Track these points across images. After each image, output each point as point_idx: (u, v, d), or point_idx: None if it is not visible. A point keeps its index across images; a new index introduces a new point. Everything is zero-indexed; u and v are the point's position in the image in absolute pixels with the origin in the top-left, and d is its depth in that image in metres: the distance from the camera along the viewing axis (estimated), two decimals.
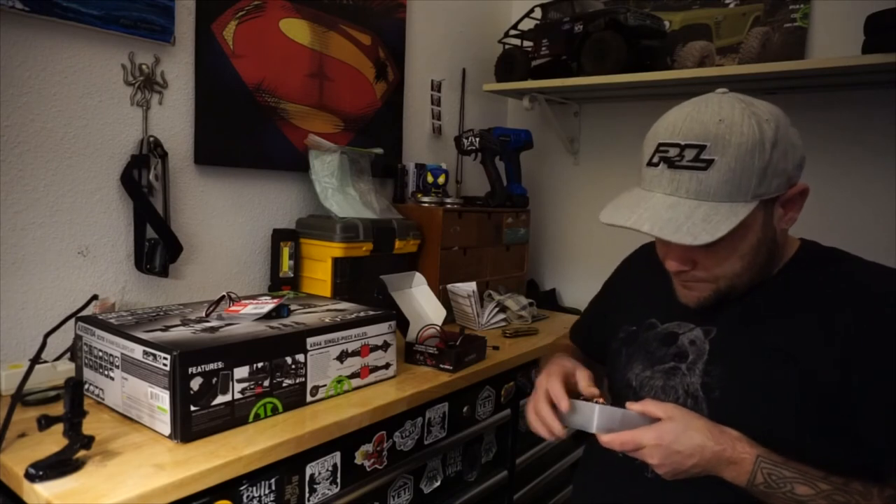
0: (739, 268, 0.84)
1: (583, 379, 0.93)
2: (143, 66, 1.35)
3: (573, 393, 0.91)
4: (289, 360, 1.05)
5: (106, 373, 1.01)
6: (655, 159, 0.82)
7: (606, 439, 0.81)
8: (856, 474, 0.77)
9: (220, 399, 0.95)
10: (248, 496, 0.92)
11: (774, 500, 0.77)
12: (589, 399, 0.89)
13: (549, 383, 0.92)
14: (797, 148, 0.81)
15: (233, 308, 1.17)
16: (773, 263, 0.87)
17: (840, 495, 0.74)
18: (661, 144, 0.82)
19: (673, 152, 0.80)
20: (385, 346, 1.23)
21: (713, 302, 0.87)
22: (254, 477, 0.93)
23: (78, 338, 1.07)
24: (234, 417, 0.98)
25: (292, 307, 1.23)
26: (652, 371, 0.92)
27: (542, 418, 0.90)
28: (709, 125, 0.78)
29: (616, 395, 0.98)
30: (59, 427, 0.82)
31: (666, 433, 0.78)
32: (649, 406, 0.81)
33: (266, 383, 1.02)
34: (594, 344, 1.14)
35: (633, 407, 0.82)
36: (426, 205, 1.84)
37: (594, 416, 0.84)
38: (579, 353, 1.16)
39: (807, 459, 0.77)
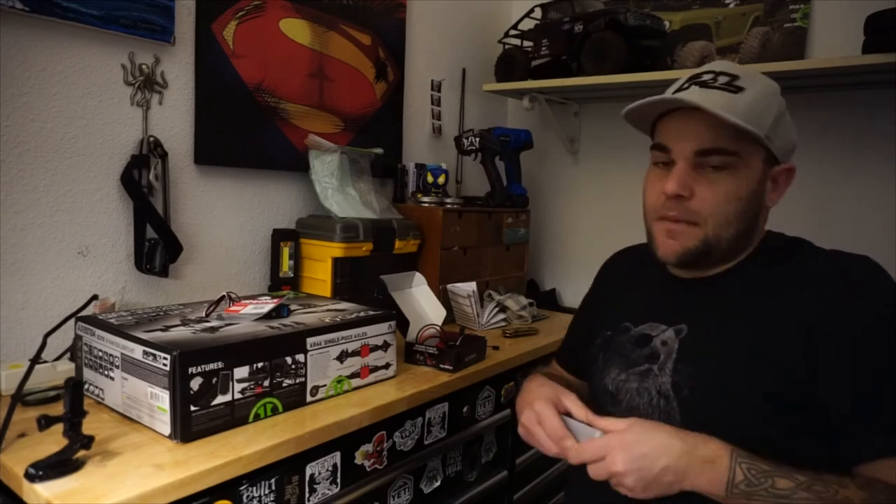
0: (731, 213, 0.84)
1: (575, 406, 0.86)
2: (143, 66, 1.35)
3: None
4: (289, 360, 1.05)
5: (106, 373, 1.01)
6: (686, 85, 0.86)
7: (573, 455, 0.80)
8: (827, 467, 0.76)
9: (220, 399, 0.95)
10: (248, 496, 0.92)
11: (755, 501, 0.73)
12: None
13: (538, 407, 0.87)
14: (795, 136, 0.89)
15: (233, 308, 1.17)
16: (752, 236, 0.89)
17: (819, 484, 0.73)
18: (694, 74, 0.88)
19: (707, 77, 0.85)
20: (385, 346, 1.23)
21: (696, 255, 0.86)
22: (254, 477, 0.93)
23: (78, 338, 1.07)
24: (234, 417, 0.98)
25: (292, 307, 1.23)
26: (627, 374, 0.92)
27: (550, 437, 0.85)
28: (740, 67, 0.88)
29: (595, 400, 0.98)
30: (59, 427, 0.82)
31: (628, 435, 0.77)
32: (611, 423, 0.80)
33: (266, 383, 1.02)
34: (581, 365, 1.09)
35: (598, 423, 0.81)
36: (426, 205, 1.84)
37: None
38: (561, 380, 1.08)
39: (778, 454, 0.77)
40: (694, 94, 0.83)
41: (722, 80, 0.84)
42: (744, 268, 0.89)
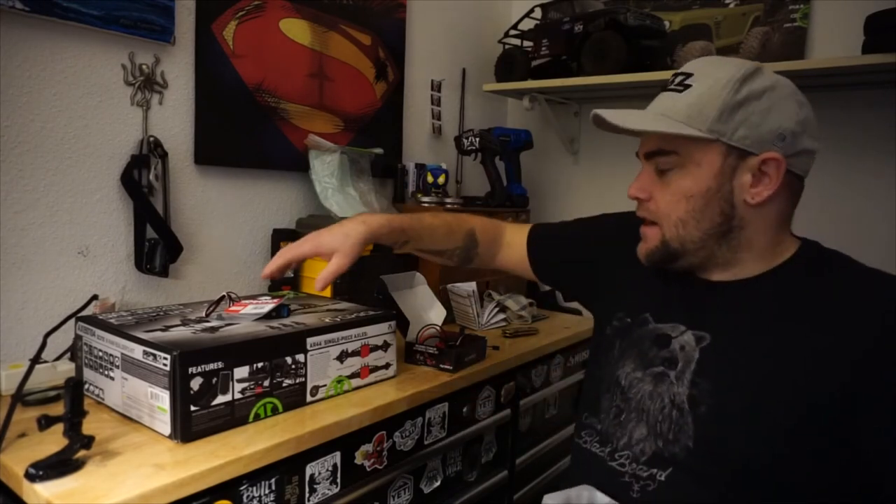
0: (683, 211, 0.84)
1: (330, 267, 0.98)
2: (143, 66, 1.35)
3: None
4: (289, 360, 1.05)
5: (106, 373, 1.01)
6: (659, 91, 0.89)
7: None
8: (849, 497, 0.74)
9: (220, 399, 0.95)
10: (248, 496, 0.92)
11: None
12: None
13: (301, 244, 1.01)
14: (788, 121, 0.80)
15: (233, 308, 1.17)
16: (731, 238, 0.84)
17: None
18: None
19: (670, 80, 0.87)
20: (385, 346, 1.23)
21: (660, 256, 0.88)
22: (254, 477, 0.93)
23: (78, 338, 1.07)
24: (234, 417, 0.98)
25: (292, 307, 1.23)
26: (643, 373, 0.88)
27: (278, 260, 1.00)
28: (709, 61, 0.85)
29: (605, 389, 0.95)
30: (59, 427, 0.82)
31: None
32: None
33: (266, 383, 1.02)
34: (547, 267, 1.18)
35: None
36: (426, 205, 1.84)
37: None
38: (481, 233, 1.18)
39: (795, 482, 0.75)
40: (653, 103, 0.87)
41: (678, 79, 0.85)
42: (775, 277, 0.84)
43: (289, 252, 1.01)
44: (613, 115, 0.85)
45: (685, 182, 0.83)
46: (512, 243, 1.22)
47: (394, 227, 1.08)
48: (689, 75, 0.84)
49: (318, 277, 0.99)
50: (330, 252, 1.00)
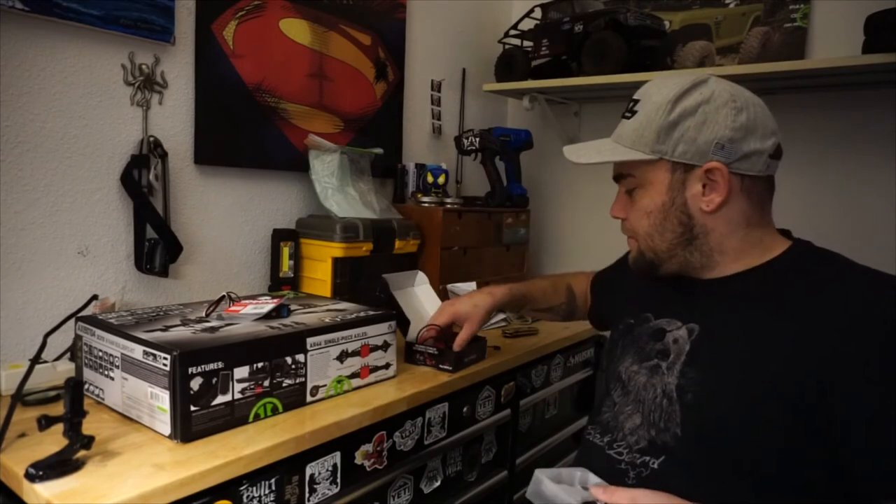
0: (648, 226, 0.91)
1: (462, 334, 1.25)
2: (143, 66, 1.35)
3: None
4: (289, 360, 1.05)
5: (106, 373, 1.01)
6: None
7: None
8: (833, 490, 0.75)
9: (220, 399, 0.95)
10: (248, 496, 0.92)
11: None
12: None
13: (438, 315, 1.30)
14: (724, 130, 0.83)
15: (233, 308, 1.17)
16: (698, 244, 0.88)
17: None
18: None
19: (626, 106, 0.93)
20: (385, 346, 1.23)
21: (642, 266, 0.95)
22: (254, 477, 0.93)
23: (78, 338, 1.07)
24: (234, 417, 0.98)
25: (292, 307, 1.23)
26: (639, 366, 0.93)
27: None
28: (653, 85, 0.90)
29: (608, 386, 1.01)
30: (59, 427, 0.82)
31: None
32: (616, 495, 0.76)
33: (266, 383, 1.02)
34: (596, 309, 1.30)
35: (597, 494, 0.77)
36: (426, 205, 1.84)
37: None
38: (563, 297, 1.32)
39: (779, 472, 0.76)
40: (592, 145, 0.97)
41: (629, 106, 0.91)
42: (759, 273, 0.87)
43: (434, 324, 1.30)
44: (571, 152, 0.98)
45: (644, 200, 0.90)
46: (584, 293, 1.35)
47: (515, 295, 1.29)
48: (636, 101, 0.90)
49: (455, 342, 1.27)
50: (463, 319, 1.26)
